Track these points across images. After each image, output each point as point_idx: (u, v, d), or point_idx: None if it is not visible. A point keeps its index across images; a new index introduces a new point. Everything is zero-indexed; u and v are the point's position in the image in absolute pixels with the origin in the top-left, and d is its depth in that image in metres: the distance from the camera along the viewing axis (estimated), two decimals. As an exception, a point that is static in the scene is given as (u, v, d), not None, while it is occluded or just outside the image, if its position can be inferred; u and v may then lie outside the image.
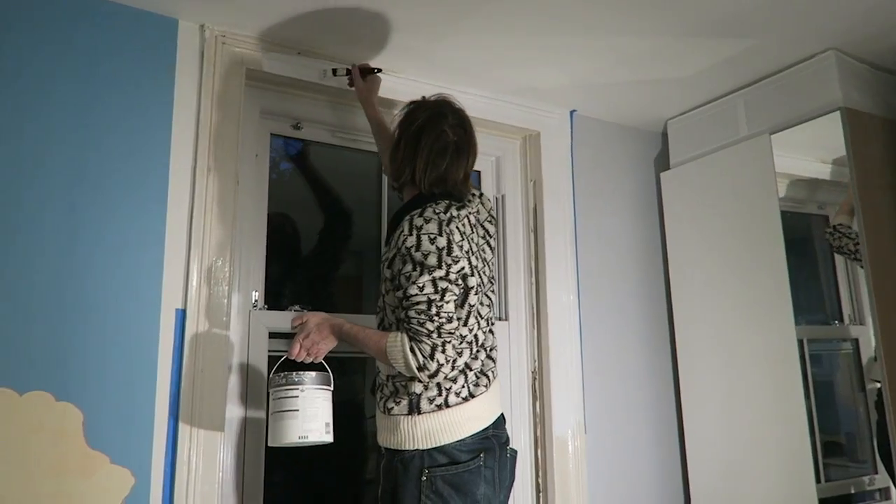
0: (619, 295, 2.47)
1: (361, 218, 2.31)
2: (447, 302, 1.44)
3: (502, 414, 1.63)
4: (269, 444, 1.55)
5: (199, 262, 1.73)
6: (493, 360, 1.64)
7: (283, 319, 1.92)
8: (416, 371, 1.42)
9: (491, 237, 1.69)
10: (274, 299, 1.97)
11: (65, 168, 1.62)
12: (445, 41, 1.96)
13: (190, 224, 1.75)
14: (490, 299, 1.65)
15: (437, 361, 1.41)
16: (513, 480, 1.63)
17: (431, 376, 1.42)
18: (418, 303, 1.44)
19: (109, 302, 1.62)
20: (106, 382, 1.58)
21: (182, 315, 1.69)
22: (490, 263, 1.66)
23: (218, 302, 1.74)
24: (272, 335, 1.91)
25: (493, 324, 1.66)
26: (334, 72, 2.00)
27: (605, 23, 1.88)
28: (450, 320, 1.44)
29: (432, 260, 1.45)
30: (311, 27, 1.88)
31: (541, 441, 2.21)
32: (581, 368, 2.29)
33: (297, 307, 1.95)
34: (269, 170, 2.03)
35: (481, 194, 1.74)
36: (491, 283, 1.67)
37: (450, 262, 1.46)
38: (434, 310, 1.43)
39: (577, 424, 2.23)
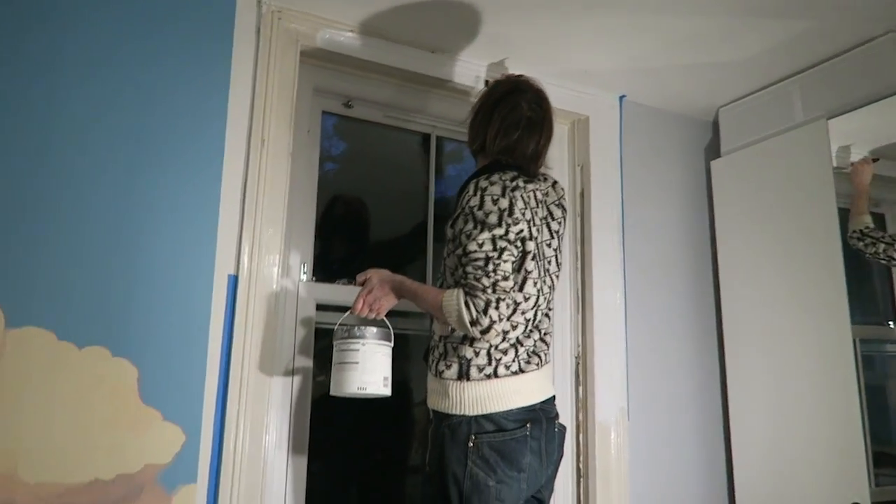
0: (666, 283, 2.44)
1: (408, 200, 2.34)
2: (505, 261, 1.45)
3: (554, 396, 1.63)
4: (331, 394, 1.60)
5: (251, 231, 1.77)
6: (547, 344, 1.64)
7: (330, 292, 1.96)
8: (468, 325, 1.42)
9: (554, 220, 1.67)
10: (322, 273, 2.00)
11: (123, 133, 1.68)
12: (498, 20, 1.97)
13: (244, 193, 1.79)
14: (552, 282, 1.64)
15: (491, 318, 1.42)
16: (561, 456, 1.62)
17: (484, 332, 1.43)
18: (476, 259, 1.45)
19: (166, 263, 1.66)
20: (160, 341, 1.62)
21: (234, 280, 1.73)
22: (546, 245, 1.63)
23: (268, 271, 1.77)
24: (319, 307, 1.94)
25: (551, 309, 1.66)
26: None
27: (657, 2, 1.86)
28: (506, 278, 1.44)
29: (493, 219, 1.47)
30: (364, 4, 1.90)
31: (583, 426, 2.19)
32: (625, 355, 2.26)
33: (343, 280, 1.98)
34: (324, 160, 2.06)
35: (556, 182, 1.74)
36: (558, 266, 1.67)
37: (510, 222, 1.47)
38: (491, 266, 1.44)
39: (620, 411, 2.20)
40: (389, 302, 1.62)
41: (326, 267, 2.05)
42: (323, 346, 1.95)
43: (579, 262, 2.31)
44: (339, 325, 1.61)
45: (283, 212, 1.82)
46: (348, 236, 2.26)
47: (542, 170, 1.70)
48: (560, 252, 1.69)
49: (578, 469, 2.17)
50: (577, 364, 2.25)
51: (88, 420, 1.53)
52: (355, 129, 2.23)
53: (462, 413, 1.49)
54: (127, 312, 1.60)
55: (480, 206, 1.49)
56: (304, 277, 1.93)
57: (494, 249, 1.46)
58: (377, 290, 1.61)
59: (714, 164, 2.53)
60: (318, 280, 1.96)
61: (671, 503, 2.26)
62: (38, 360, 1.50)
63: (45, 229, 1.56)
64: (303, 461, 1.83)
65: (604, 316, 2.25)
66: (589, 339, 2.23)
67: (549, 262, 1.63)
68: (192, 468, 1.60)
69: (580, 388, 2.22)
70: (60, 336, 1.53)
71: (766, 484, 2.21)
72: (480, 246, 1.46)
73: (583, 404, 2.20)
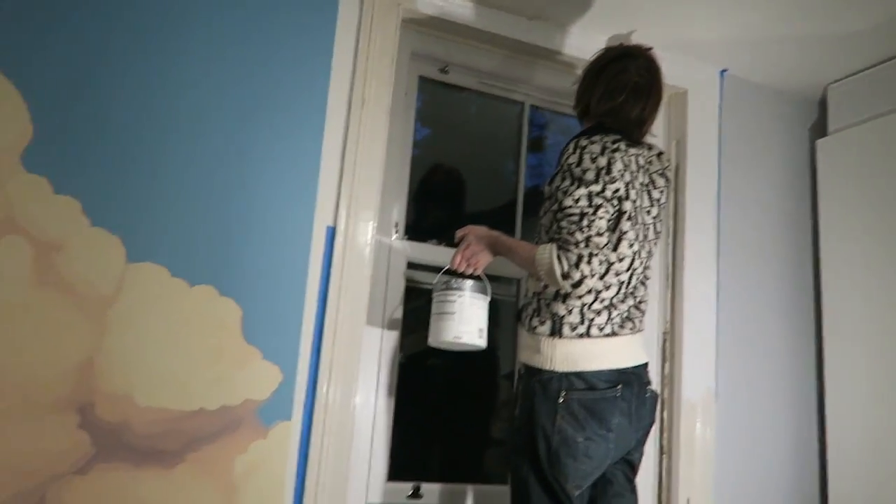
0: (762, 265, 2.36)
1: (499, 172, 2.35)
2: (599, 218, 1.45)
3: (647, 363, 1.61)
4: (428, 343, 1.66)
5: (349, 185, 1.82)
6: (642, 312, 1.63)
7: (422, 251, 2.01)
8: (559, 279, 1.43)
9: (656, 189, 1.65)
10: (414, 233, 2.04)
11: (233, 88, 1.75)
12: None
13: (343, 149, 1.84)
14: (650, 249, 1.62)
15: (582, 272, 1.42)
16: (652, 422, 1.62)
17: (575, 285, 1.43)
18: (571, 214, 1.46)
19: (269, 212, 1.74)
20: (263, 284, 1.70)
21: (332, 232, 1.79)
22: (645, 212, 1.61)
23: (364, 226, 1.83)
24: (410, 265, 1.99)
25: (648, 277, 1.65)
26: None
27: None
28: (599, 234, 1.44)
29: (590, 176, 1.47)
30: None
31: (668, 403, 2.15)
32: (715, 334, 2.21)
33: (434, 241, 2.03)
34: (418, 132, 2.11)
35: (661, 152, 1.72)
36: (657, 235, 1.65)
37: (607, 180, 1.47)
38: (585, 222, 1.44)
39: (708, 390, 2.15)
40: (486, 258, 1.66)
41: (420, 230, 2.09)
42: (414, 307, 2.01)
43: (671, 238, 2.27)
44: (438, 278, 1.66)
45: (380, 169, 1.87)
46: (443, 204, 2.31)
47: (647, 139, 1.69)
48: (660, 221, 1.67)
49: (661, 445, 2.13)
50: (664, 340, 2.21)
51: (196, 353, 1.63)
52: (444, 109, 2.25)
53: (553, 369, 1.49)
54: (234, 255, 1.69)
55: (578, 164, 1.49)
56: (397, 235, 1.98)
57: (590, 206, 1.46)
58: (474, 246, 1.65)
59: (820, 143, 2.42)
60: (410, 238, 2.01)
61: (758, 488, 2.20)
62: (153, 294, 1.61)
63: (163, 175, 1.66)
64: (390, 410, 1.89)
65: (694, 293, 2.20)
66: (678, 315, 2.19)
67: (648, 229, 1.61)
68: (288, 406, 1.68)
69: (666, 365, 2.18)
70: (174, 273, 1.63)
71: (863, 483, 2.09)
72: (576, 202, 1.46)
73: (668, 381, 2.16)
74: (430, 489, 1.90)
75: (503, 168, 2.35)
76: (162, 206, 1.65)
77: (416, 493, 1.86)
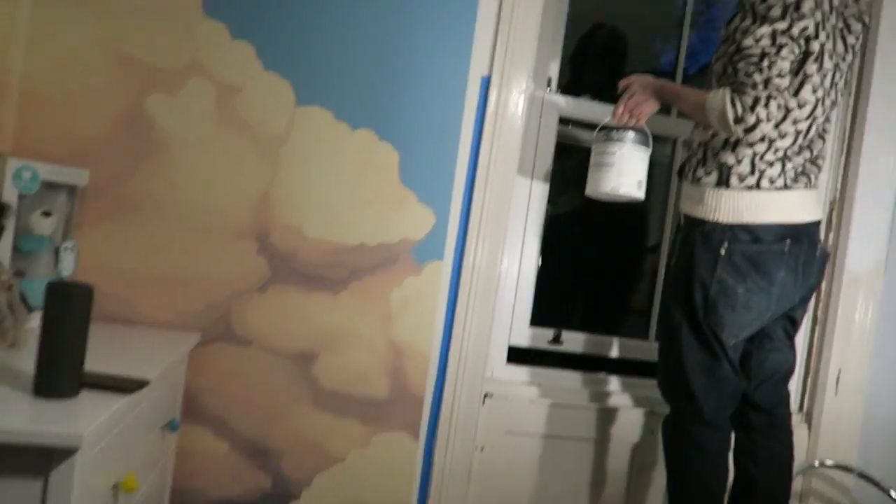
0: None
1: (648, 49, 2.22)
2: (783, 58, 1.34)
3: (820, 220, 1.53)
4: (586, 194, 1.66)
5: (505, 36, 1.79)
6: (818, 168, 1.52)
7: (575, 107, 1.97)
8: (732, 123, 1.36)
9: (851, 34, 1.48)
10: (567, 89, 2.00)
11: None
12: None
13: (500, 2, 1.81)
14: (836, 98, 1.48)
15: (758, 116, 1.33)
16: (819, 281, 1.55)
17: (748, 130, 1.35)
18: (750, 55, 1.36)
19: (427, 60, 1.77)
20: (419, 130, 1.76)
21: (486, 82, 1.80)
22: (840, 58, 1.45)
23: (518, 77, 1.81)
24: (563, 121, 1.97)
25: (826, 131, 1.53)
26: None
27: None
28: (781, 76, 1.34)
29: (776, 12, 1.35)
30: None
31: (829, 274, 2.04)
32: (892, 208, 2.03)
33: (587, 95, 1.98)
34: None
35: None
36: (846, 85, 1.52)
37: (795, 17, 1.34)
38: (766, 62, 1.34)
39: (877, 263, 2.01)
40: (650, 107, 1.60)
41: (575, 90, 2.04)
42: (564, 166, 2.00)
43: (851, 99, 2.06)
44: (600, 128, 1.63)
45: (536, 20, 1.82)
46: (601, 63, 2.24)
47: None
48: (852, 70, 1.51)
49: (815, 315, 2.05)
50: (832, 210, 2.06)
51: (357, 192, 1.74)
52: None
53: (717, 220, 1.45)
54: (392, 102, 1.75)
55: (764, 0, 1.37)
56: (550, 90, 1.95)
57: (773, 45, 1.34)
58: (639, 95, 1.59)
59: None
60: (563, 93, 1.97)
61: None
62: (320, 135, 1.72)
63: (328, 23, 1.72)
64: (536, 260, 1.94)
65: (872, 162, 2.02)
66: (850, 183, 2.02)
67: (839, 78, 1.46)
68: (440, 247, 1.77)
69: (831, 235, 2.05)
70: (338, 117, 1.72)
71: None
72: (757, 41, 1.36)
73: (833, 252, 2.04)
74: (571, 337, 1.97)
75: (651, 46, 2.21)
76: (327, 53, 1.72)
77: (556, 339, 1.94)
